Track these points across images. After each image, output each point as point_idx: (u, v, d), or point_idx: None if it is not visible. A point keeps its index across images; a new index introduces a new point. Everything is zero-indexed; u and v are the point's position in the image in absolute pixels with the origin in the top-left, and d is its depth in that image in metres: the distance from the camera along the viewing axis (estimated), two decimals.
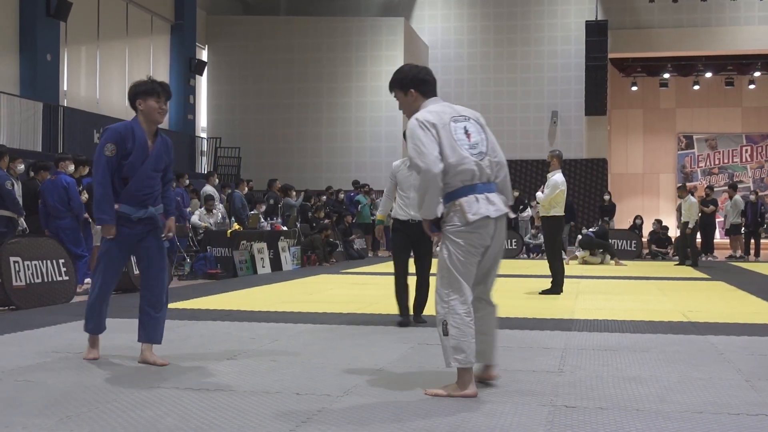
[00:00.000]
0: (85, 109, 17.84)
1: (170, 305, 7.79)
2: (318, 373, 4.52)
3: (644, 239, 19.86)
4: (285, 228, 15.01)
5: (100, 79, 19.40)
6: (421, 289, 6.67)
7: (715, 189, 20.22)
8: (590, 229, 17.69)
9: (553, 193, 9.45)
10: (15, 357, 4.99)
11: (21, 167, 9.98)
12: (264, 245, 13.34)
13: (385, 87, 4.59)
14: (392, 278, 6.76)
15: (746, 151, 29.12)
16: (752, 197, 18.77)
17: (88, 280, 8.91)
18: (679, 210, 16.88)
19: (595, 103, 24.68)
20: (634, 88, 28.83)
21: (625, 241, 19.08)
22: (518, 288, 10.25)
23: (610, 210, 21.18)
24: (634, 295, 9.45)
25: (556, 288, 9.44)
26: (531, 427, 3.40)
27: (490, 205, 3.97)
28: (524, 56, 25.75)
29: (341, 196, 19.67)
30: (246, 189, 15.83)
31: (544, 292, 9.43)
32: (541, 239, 17.81)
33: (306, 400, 3.87)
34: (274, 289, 10.17)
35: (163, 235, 5.00)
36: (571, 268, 13.38)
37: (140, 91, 4.83)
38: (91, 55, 19.17)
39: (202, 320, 6.88)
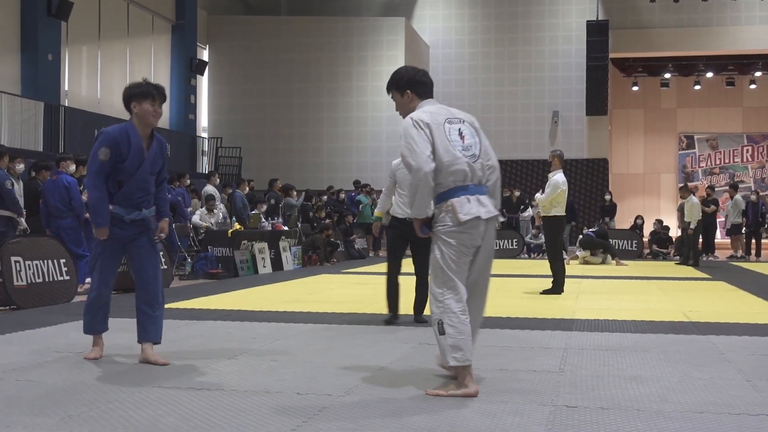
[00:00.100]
0: (86, 108, 17.85)
1: (171, 305, 7.83)
2: (319, 373, 4.52)
3: (645, 239, 19.86)
4: (286, 228, 15.01)
5: (101, 78, 19.41)
6: (421, 288, 6.67)
7: (716, 189, 20.22)
8: (590, 230, 17.69)
9: (554, 192, 9.45)
10: (16, 356, 4.99)
11: (20, 167, 9.98)
12: (265, 245, 13.34)
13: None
14: (400, 279, 6.77)
15: (747, 151, 29.11)
16: (753, 197, 18.77)
17: (89, 279, 8.91)
18: (679, 210, 16.89)
19: (596, 103, 24.67)
20: (635, 88, 28.81)
21: (626, 241, 19.07)
22: (519, 288, 10.25)
23: (611, 210, 21.18)
24: (635, 295, 9.45)
25: (557, 288, 9.44)
26: (532, 427, 3.40)
27: (481, 207, 4.03)
28: (525, 56, 25.75)
29: (342, 196, 19.67)
30: (247, 189, 15.84)
31: (545, 292, 9.43)
32: (541, 239, 17.80)
33: (307, 399, 3.87)
34: (275, 289, 10.17)
35: (156, 237, 5.01)
36: (572, 268, 13.38)
37: (135, 94, 4.82)
38: (92, 54, 19.18)
39: (202, 320, 6.88)
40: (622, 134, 29.45)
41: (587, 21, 24.72)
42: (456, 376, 4.08)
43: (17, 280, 7.78)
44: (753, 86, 28.29)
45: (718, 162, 29.32)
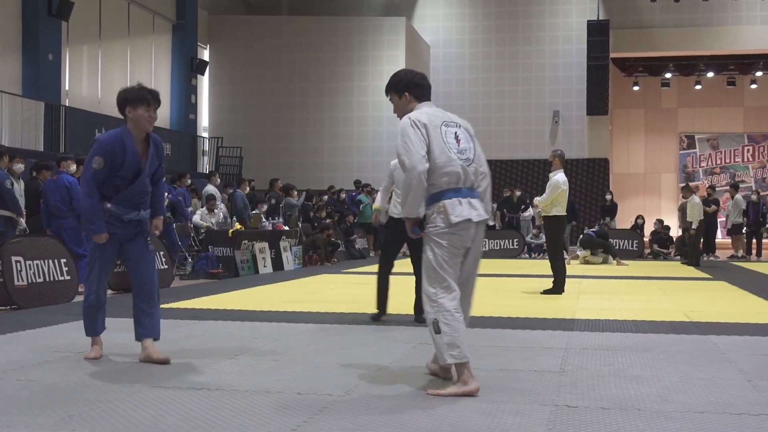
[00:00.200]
0: (86, 108, 17.85)
1: (172, 305, 7.83)
2: (319, 373, 4.52)
3: (646, 239, 19.85)
4: (286, 228, 15.01)
5: (101, 78, 19.41)
6: (421, 288, 6.68)
7: (716, 189, 20.20)
8: (591, 230, 17.69)
9: (554, 192, 9.44)
10: (16, 356, 4.99)
11: (19, 167, 9.98)
12: (265, 245, 13.34)
13: None
14: (390, 278, 6.77)
15: (748, 150, 29.10)
16: (754, 197, 18.76)
17: None
18: (680, 210, 16.87)
19: (597, 102, 24.67)
20: (636, 88, 28.81)
21: (626, 241, 19.06)
22: (519, 288, 10.25)
23: (611, 210, 21.17)
24: (636, 295, 9.44)
25: (557, 288, 9.44)
26: (532, 427, 3.39)
27: (473, 210, 4.09)
28: (526, 56, 25.75)
29: (343, 195, 19.67)
30: (247, 189, 15.83)
31: (546, 292, 9.43)
32: (542, 239, 17.81)
33: (307, 399, 3.87)
34: (276, 289, 10.17)
35: (149, 239, 5.05)
36: (572, 267, 13.37)
37: (129, 99, 4.82)
38: (92, 54, 19.18)
39: (203, 320, 6.88)
40: (622, 134, 29.45)
41: (588, 21, 24.72)
42: (450, 378, 4.11)
43: (18, 280, 7.78)
44: (754, 86, 28.28)
45: (718, 162, 29.32)
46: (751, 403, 3.83)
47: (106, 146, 4.76)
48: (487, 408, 3.71)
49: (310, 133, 24.35)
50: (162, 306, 5.20)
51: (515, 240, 19.16)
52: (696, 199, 15.62)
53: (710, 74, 28.28)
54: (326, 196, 18.98)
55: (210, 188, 14.45)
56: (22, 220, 9.43)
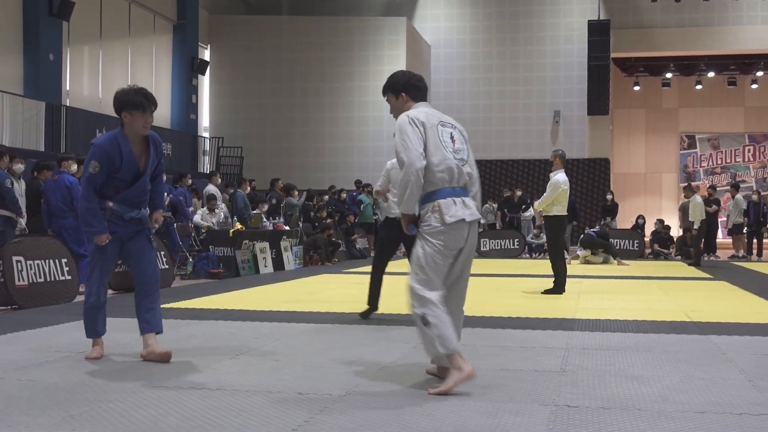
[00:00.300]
0: (87, 108, 17.87)
1: (172, 304, 7.83)
2: (320, 373, 4.52)
3: (646, 239, 19.85)
4: (287, 227, 15.01)
5: (102, 78, 19.43)
6: None
7: (717, 189, 20.19)
8: (591, 230, 17.70)
9: (555, 192, 9.44)
10: (17, 356, 4.99)
11: (20, 167, 9.99)
12: (266, 245, 13.35)
13: None
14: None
15: (749, 150, 29.09)
16: (754, 197, 18.76)
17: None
18: (681, 209, 16.86)
19: (598, 102, 24.67)
20: (637, 88, 28.80)
21: (627, 241, 19.05)
22: (520, 287, 10.25)
23: (612, 210, 21.17)
24: (637, 295, 9.44)
25: (558, 287, 9.43)
26: (533, 427, 3.39)
27: (466, 209, 4.15)
28: (526, 56, 25.75)
29: (343, 195, 19.67)
30: (248, 188, 15.85)
31: (547, 292, 9.42)
32: (543, 239, 17.81)
33: (308, 399, 3.87)
34: (276, 289, 10.18)
35: (151, 236, 5.09)
36: (573, 267, 13.37)
37: (126, 103, 4.82)
38: (93, 54, 19.19)
39: (204, 320, 6.88)
40: (623, 134, 29.44)
41: (588, 20, 24.72)
42: (445, 375, 4.13)
43: (19, 280, 7.78)
44: (755, 86, 28.26)
45: (719, 162, 29.31)
46: (751, 403, 3.83)
47: (102, 150, 4.79)
48: (488, 408, 3.71)
49: (310, 133, 24.35)
50: (162, 306, 5.21)
51: (516, 240, 19.16)
52: (698, 198, 15.61)
53: (711, 74, 28.26)
54: (327, 196, 18.98)
55: (211, 188, 14.46)
56: (22, 220, 9.43)
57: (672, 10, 25.51)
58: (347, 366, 4.73)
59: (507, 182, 24.58)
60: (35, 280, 7.98)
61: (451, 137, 4.22)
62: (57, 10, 16.49)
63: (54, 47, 16.74)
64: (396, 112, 4.41)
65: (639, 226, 20.32)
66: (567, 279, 9.60)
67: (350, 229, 17.98)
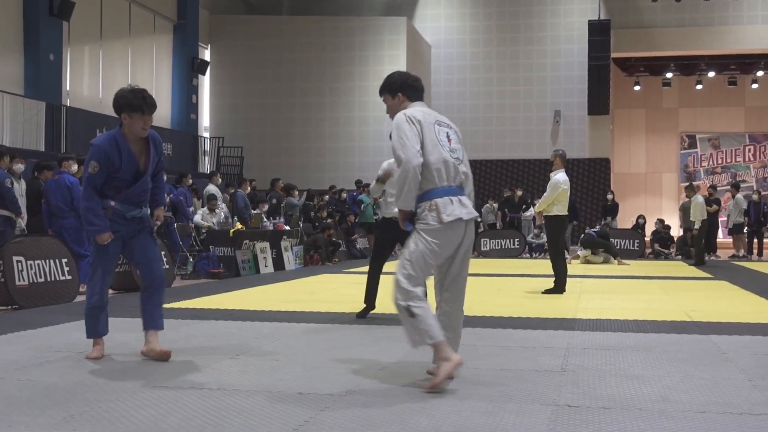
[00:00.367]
0: (88, 108, 17.87)
1: (173, 304, 7.83)
2: (320, 373, 4.52)
3: (647, 239, 19.85)
4: (288, 227, 15.01)
5: (102, 78, 19.43)
6: None
7: (718, 188, 20.19)
8: (592, 229, 17.70)
9: (555, 192, 9.45)
10: (18, 356, 4.99)
11: (20, 167, 9.99)
12: (267, 245, 13.35)
13: None
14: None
15: (749, 150, 29.09)
16: (755, 197, 18.76)
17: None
18: (682, 209, 16.86)
19: (598, 102, 24.66)
20: (637, 88, 28.79)
21: (627, 241, 19.05)
22: (521, 287, 10.25)
23: (612, 209, 21.17)
24: (637, 295, 9.44)
25: (558, 287, 9.43)
26: (534, 427, 3.39)
27: (463, 208, 4.19)
28: (527, 56, 25.74)
29: (344, 195, 19.67)
30: (249, 188, 15.84)
31: (547, 292, 9.42)
32: (543, 239, 17.81)
33: (308, 399, 3.87)
34: (277, 289, 10.18)
35: (154, 234, 5.13)
36: (573, 267, 13.37)
37: (125, 105, 4.83)
38: (94, 54, 19.19)
39: (204, 320, 6.88)
40: (623, 134, 29.44)
41: (589, 20, 24.71)
42: (435, 371, 4.15)
43: (19, 280, 7.79)
44: (755, 86, 28.26)
45: (719, 161, 29.30)
46: (752, 403, 3.83)
47: (101, 150, 4.81)
48: (488, 407, 3.71)
49: (311, 132, 24.35)
50: (163, 306, 5.21)
51: (516, 240, 19.16)
52: (699, 198, 15.61)
53: (711, 74, 28.26)
54: (327, 196, 18.98)
55: (211, 188, 14.46)
56: (21, 221, 9.43)
57: (672, 9, 25.51)
58: (347, 366, 4.73)
59: (507, 182, 24.58)
60: (35, 280, 7.98)
61: (447, 137, 4.27)
62: (57, 10, 16.49)
63: (54, 47, 16.75)
64: (392, 112, 4.44)
65: (639, 226, 20.32)
66: (567, 279, 9.60)
67: (351, 229, 17.98)
